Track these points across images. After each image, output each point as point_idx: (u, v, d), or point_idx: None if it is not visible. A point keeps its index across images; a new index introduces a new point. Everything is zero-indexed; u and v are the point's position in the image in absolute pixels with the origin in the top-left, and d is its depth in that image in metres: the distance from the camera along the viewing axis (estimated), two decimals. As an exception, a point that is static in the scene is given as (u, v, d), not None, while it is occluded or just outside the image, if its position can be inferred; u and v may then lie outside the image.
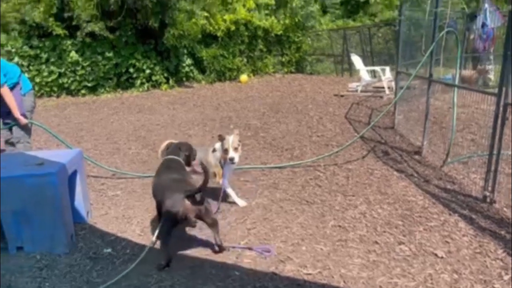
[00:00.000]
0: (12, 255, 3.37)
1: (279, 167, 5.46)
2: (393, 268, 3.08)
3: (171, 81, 13.44)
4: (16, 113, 4.86)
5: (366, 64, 12.49)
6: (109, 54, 12.45)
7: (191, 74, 14.22)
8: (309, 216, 4.00)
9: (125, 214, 4.19)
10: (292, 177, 5.10)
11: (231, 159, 3.99)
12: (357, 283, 2.91)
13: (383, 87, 10.64)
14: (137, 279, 3.03)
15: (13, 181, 3.28)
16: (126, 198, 4.63)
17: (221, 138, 4.12)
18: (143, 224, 3.94)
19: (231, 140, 4.02)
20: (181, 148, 3.88)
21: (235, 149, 4.03)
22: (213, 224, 3.30)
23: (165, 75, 13.40)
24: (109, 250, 3.49)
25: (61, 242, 3.40)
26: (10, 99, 4.80)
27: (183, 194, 3.11)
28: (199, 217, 3.19)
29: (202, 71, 14.64)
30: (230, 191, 4.28)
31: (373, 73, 12.12)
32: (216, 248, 3.33)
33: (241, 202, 4.26)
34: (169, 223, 3.16)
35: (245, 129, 7.63)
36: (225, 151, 4.05)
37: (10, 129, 5.06)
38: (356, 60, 11.78)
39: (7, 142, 5.20)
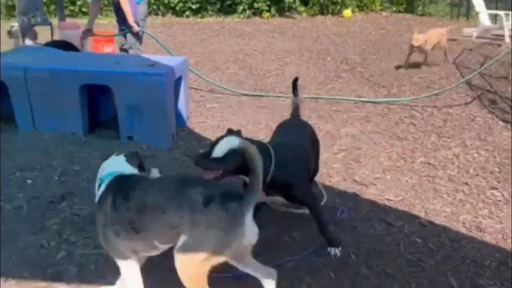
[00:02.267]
0: (123, 143, 3.83)
1: (374, 102, 5.33)
2: (480, 209, 2.99)
3: (272, 10, 13.30)
4: (130, 20, 5.25)
5: (488, 7, 11.16)
6: (216, -22, 12.55)
7: (293, 5, 13.90)
8: (399, 150, 3.95)
9: (220, 125, 4.48)
10: (386, 113, 4.98)
11: None
12: (439, 216, 2.90)
13: (503, 35, 9.53)
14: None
15: (128, 77, 3.65)
16: (222, 111, 4.92)
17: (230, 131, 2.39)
18: (236, 135, 4.20)
19: None
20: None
21: None
22: None
23: (267, 3, 13.27)
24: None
25: (165, 138, 3.79)
26: (126, 6, 5.19)
27: None
28: None
29: (305, 2, 14.21)
30: None
31: (495, 18, 10.85)
32: None
33: None
34: None
35: (342, 63, 7.45)
36: None
37: (125, 36, 5.52)
38: (477, 1, 10.58)
39: (121, 48, 5.70)
